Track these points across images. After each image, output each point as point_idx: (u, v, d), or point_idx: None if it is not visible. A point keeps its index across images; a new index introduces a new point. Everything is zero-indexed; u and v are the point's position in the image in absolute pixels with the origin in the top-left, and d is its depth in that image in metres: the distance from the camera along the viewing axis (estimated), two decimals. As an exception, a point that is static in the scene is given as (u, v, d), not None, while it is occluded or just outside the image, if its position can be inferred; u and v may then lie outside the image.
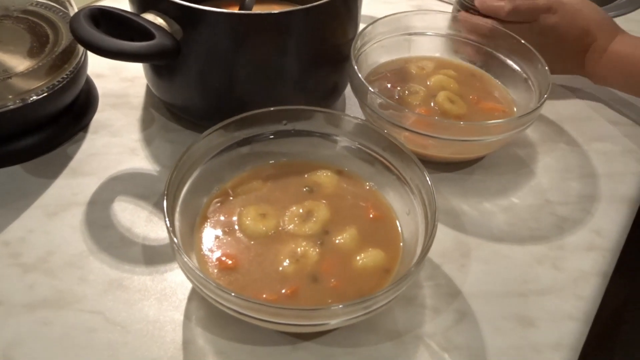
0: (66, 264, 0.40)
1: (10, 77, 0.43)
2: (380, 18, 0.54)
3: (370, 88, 0.46)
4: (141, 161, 0.49)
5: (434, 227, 0.35)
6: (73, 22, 0.39)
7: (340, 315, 0.32)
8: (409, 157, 0.40)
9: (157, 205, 0.45)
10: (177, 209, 0.37)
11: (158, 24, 0.42)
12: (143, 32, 0.41)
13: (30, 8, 0.44)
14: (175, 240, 0.34)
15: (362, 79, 0.47)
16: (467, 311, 0.40)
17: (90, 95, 0.53)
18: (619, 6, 0.77)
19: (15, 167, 0.47)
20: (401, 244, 0.40)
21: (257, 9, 0.54)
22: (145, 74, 0.53)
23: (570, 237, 0.46)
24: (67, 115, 0.49)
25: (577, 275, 0.43)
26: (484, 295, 0.41)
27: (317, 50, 0.48)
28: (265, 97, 0.48)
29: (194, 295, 0.39)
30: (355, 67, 0.48)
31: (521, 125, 0.46)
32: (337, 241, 0.39)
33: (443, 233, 0.45)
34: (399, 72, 0.55)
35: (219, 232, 0.39)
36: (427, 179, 0.37)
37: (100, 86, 0.55)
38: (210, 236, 0.39)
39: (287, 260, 0.38)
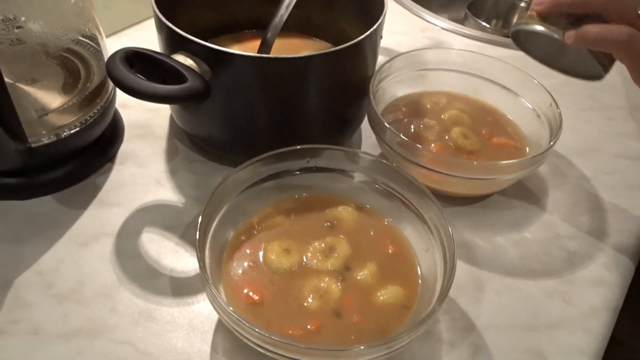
0: (97, 294, 0.42)
1: (46, 114, 0.45)
2: (397, 55, 0.56)
3: (388, 126, 0.48)
4: (166, 192, 0.50)
5: (453, 268, 0.37)
6: (110, 65, 0.41)
7: (365, 355, 0.34)
8: (428, 197, 0.41)
9: (183, 237, 0.47)
10: (207, 245, 0.39)
11: (188, 65, 0.44)
12: (174, 73, 0.43)
13: (68, 46, 0.46)
14: (206, 275, 0.35)
15: (380, 117, 0.49)
16: (482, 345, 0.42)
17: (117, 126, 0.55)
18: None
19: (46, 197, 0.49)
20: (419, 280, 0.41)
21: (276, 41, 0.56)
22: (170, 106, 0.55)
23: (580, 271, 0.47)
24: (96, 147, 0.51)
25: (586, 309, 0.45)
26: (497, 329, 0.43)
27: (338, 87, 0.50)
28: (286, 131, 0.50)
29: (220, 327, 0.41)
30: (374, 104, 0.50)
31: (533, 165, 0.48)
32: (358, 277, 0.41)
33: (458, 266, 0.47)
34: (414, 106, 0.57)
35: (245, 266, 0.41)
36: (446, 220, 0.39)
37: (126, 116, 0.57)
38: (236, 270, 0.41)
39: (311, 296, 0.39)
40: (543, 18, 0.40)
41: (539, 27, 0.40)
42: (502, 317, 0.44)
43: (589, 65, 0.41)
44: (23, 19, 0.40)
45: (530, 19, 0.41)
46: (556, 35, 0.40)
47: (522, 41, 0.44)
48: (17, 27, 0.40)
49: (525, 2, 0.46)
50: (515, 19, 0.46)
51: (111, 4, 0.66)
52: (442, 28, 0.80)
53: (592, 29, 0.38)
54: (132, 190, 0.50)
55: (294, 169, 0.45)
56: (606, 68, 0.41)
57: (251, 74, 0.45)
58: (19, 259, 0.44)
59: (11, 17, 0.39)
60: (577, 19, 0.39)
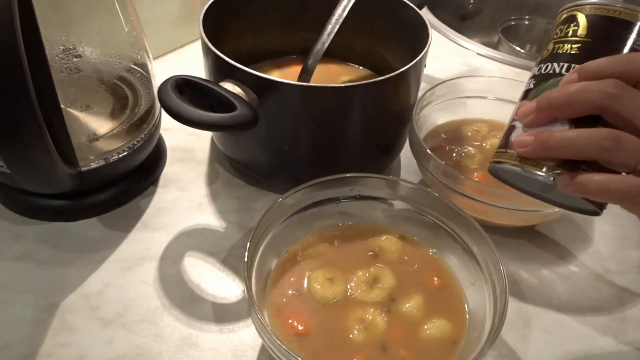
0: (142, 319, 0.42)
1: (97, 139, 0.46)
2: (439, 83, 0.56)
3: (431, 153, 0.48)
4: (208, 216, 0.51)
5: (505, 305, 0.36)
6: (161, 93, 0.41)
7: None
8: (476, 229, 0.41)
9: (225, 263, 0.47)
10: (254, 271, 0.39)
11: (237, 92, 0.44)
12: (223, 101, 0.43)
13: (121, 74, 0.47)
14: (254, 302, 0.35)
15: (424, 145, 0.49)
16: (531, 384, 0.40)
17: (160, 150, 0.56)
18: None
19: (92, 220, 0.49)
20: (467, 315, 0.40)
21: (317, 68, 0.56)
22: (212, 132, 0.56)
23: (631, 309, 0.46)
24: (140, 170, 0.52)
25: (640, 349, 0.43)
26: (546, 368, 0.41)
27: (381, 116, 0.50)
28: (327, 158, 0.50)
29: (263, 355, 0.41)
30: (417, 132, 0.50)
31: (582, 196, 0.47)
32: (403, 309, 0.40)
33: (502, 300, 0.46)
34: (455, 134, 0.57)
35: (289, 295, 0.41)
36: (497, 255, 0.38)
37: (168, 140, 0.58)
38: (280, 299, 0.41)
39: (357, 328, 0.39)
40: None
41: (524, 171, 0.33)
42: (551, 356, 0.42)
43: (582, 203, 0.34)
44: (82, 49, 0.41)
45: (512, 158, 0.34)
46: (545, 180, 0.32)
47: (501, 174, 0.37)
48: (76, 57, 0.41)
49: (515, 122, 0.35)
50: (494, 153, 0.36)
51: (158, 30, 0.67)
52: (477, 53, 0.79)
53: (593, 180, 0.31)
54: (175, 213, 0.51)
55: (338, 197, 0.45)
56: (602, 206, 0.34)
57: (296, 102, 0.45)
58: (65, 281, 0.44)
59: (71, 47, 0.40)
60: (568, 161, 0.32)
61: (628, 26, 0.34)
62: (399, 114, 0.52)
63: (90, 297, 0.43)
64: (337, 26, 0.55)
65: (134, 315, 0.43)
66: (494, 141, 0.56)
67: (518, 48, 0.95)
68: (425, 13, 0.89)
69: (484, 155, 0.54)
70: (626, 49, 0.33)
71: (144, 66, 0.49)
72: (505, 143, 0.35)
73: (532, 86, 0.36)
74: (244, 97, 0.44)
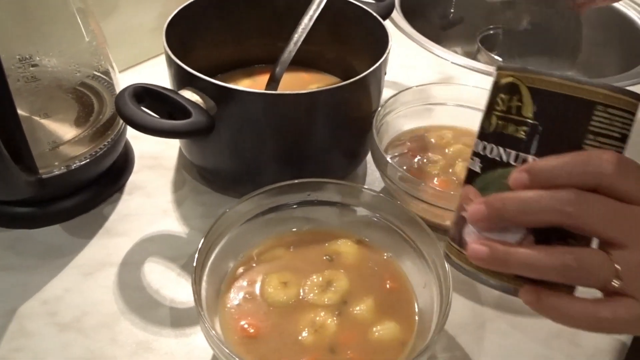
0: (98, 324, 0.43)
1: (58, 147, 0.46)
2: (403, 90, 0.57)
3: (389, 160, 0.49)
4: (172, 223, 0.51)
5: (448, 304, 0.36)
6: (118, 101, 0.42)
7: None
8: (425, 231, 0.41)
9: (185, 268, 0.47)
10: (205, 276, 0.40)
11: (194, 100, 0.45)
12: (181, 109, 0.44)
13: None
14: (200, 308, 0.36)
15: (382, 151, 0.50)
16: (482, 386, 0.41)
17: (128, 157, 0.57)
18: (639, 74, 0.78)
19: (55, 227, 0.50)
20: (416, 317, 0.41)
21: (285, 75, 0.57)
22: (180, 139, 0.56)
23: (586, 311, 0.46)
24: (106, 177, 0.53)
25: (593, 351, 0.43)
26: (499, 370, 0.42)
27: (341, 122, 0.51)
28: (290, 165, 0.51)
29: (216, 359, 0.41)
30: (376, 140, 0.50)
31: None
32: (354, 312, 0.41)
33: (459, 303, 0.46)
34: (419, 141, 0.58)
35: (242, 298, 0.41)
36: (443, 256, 0.39)
37: (137, 147, 0.59)
38: (234, 302, 0.41)
39: (306, 330, 0.39)
40: None
41: (476, 275, 0.31)
42: (505, 357, 0.43)
43: None
44: (38, 58, 0.42)
45: (467, 262, 0.31)
46: (504, 289, 0.31)
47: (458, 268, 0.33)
48: (33, 66, 0.42)
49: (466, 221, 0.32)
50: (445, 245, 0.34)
51: (126, 41, 0.68)
52: (452, 62, 0.80)
53: (561, 308, 0.29)
54: (139, 220, 0.51)
55: (295, 202, 0.46)
56: None
57: (255, 110, 0.46)
58: (26, 287, 0.45)
59: (27, 56, 0.41)
60: None
61: (585, 108, 0.28)
62: (360, 120, 0.52)
63: (49, 302, 0.44)
64: (304, 35, 0.56)
65: (91, 320, 0.43)
66: (458, 147, 0.57)
67: (497, 57, 0.96)
68: (403, 23, 0.91)
69: (447, 161, 0.55)
70: (585, 140, 0.28)
71: (106, 74, 0.50)
72: (459, 238, 0.32)
73: (477, 169, 0.31)
74: (201, 105, 0.45)
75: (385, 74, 0.53)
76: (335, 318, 0.40)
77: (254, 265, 0.44)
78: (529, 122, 0.29)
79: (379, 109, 0.53)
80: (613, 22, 0.93)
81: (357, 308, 0.41)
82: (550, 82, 0.28)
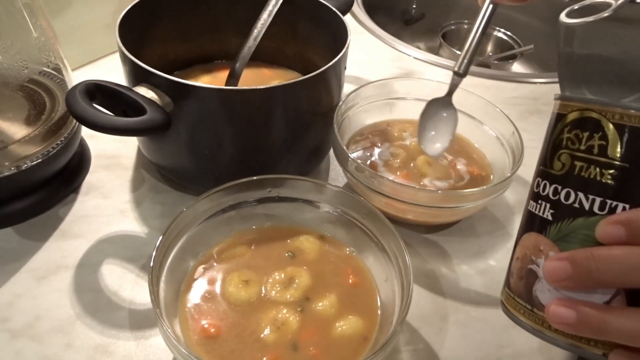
0: (53, 329, 0.41)
1: (7, 146, 0.45)
2: (363, 85, 0.57)
3: (350, 155, 0.49)
4: (130, 223, 0.50)
5: (409, 298, 0.36)
6: (69, 98, 0.41)
7: (317, 388, 0.33)
8: (386, 225, 0.41)
9: (144, 268, 0.46)
10: (163, 276, 0.39)
11: (150, 97, 0.44)
12: (135, 106, 0.43)
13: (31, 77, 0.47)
14: (159, 313, 0.35)
15: (343, 147, 0.49)
16: (444, 376, 0.41)
17: (83, 157, 0.55)
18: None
19: (6, 230, 0.48)
20: (379, 311, 0.41)
21: (247, 71, 0.57)
22: (137, 137, 0.55)
23: (544, 300, 0.47)
24: (60, 178, 0.51)
25: (551, 339, 0.44)
26: (460, 360, 0.42)
27: (303, 118, 0.50)
28: (252, 162, 0.50)
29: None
30: (337, 135, 0.50)
31: (496, 192, 0.48)
32: (317, 308, 0.40)
33: (422, 296, 0.47)
34: (381, 135, 0.58)
35: (203, 298, 0.41)
36: (404, 249, 0.39)
37: (93, 147, 0.57)
38: (194, 302, 0.40)
39: (268, 328, 0.39)
40: None
41: (552, 338, 0.28)
42: (466, 348, 0.43)
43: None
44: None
45: (540, 323, 0.28)
46: (582, 354, 0.27)
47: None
48: (-26, 62, 0.40)
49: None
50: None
51: (79, 38, 0.66)
52: (414, 57, 0.81)
53: None
54: (95, 221, 0.50)
55: (255, 200, 0.45)
56: None
57: (211, 106, 0.45)
58: (-25, 293, 0.43)
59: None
60: None
61: None
62: (321, 115, 0.52)
63: (-1, 308, 0.42)
64: (263, 30, 0.56)
65: (45, 326, 0.42)
66: (419, 141, 0.57)
67: (458, 52, 0.97)
68: (365, 19, 0.91)
69: (409, 155, 0.55)
70: None
71: (57, 70, 0.48)
72: (527, 295, 0.28)
73: (548, 216, 0.28)
74: (157, 102, 0.44)
75: (346, 68, 0.53)
76: (297, 315, 0.40)
77: (215, 264, 0.43)
78: (617, 164, 0.25)
79: (340, 103, 0.53)
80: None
81: (320, 304, 0.41)
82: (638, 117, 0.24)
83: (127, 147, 0.58)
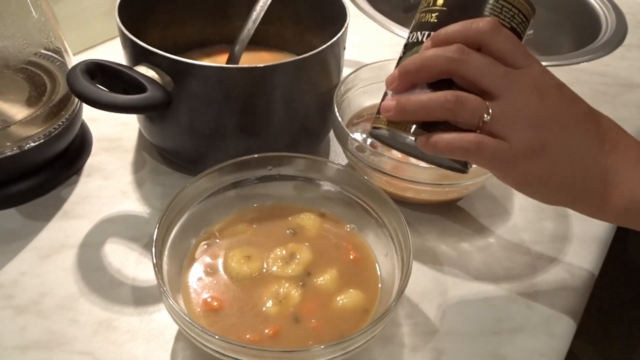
0: (58, 306, 0.42)
1: (9, 126, 0.45)
2: (362, 66, 0.57)
3: (350, 134, 0.49)
4: (132, 204, 0.51)
5: (409, 270, 0.37)
6: (70, 76, 0.41)
7: (321, 356, 0.34)
8: (386, 201, 0.42)
9: (147, 247, 0.47)
10: (166, 252, 0.39)
11: (150, 76, 0.44)
12: (136, 85, 0.43)
13: (31, 59, 0.47)
14: (162, 285, 0.35)
15: (344, 126, 0.50)
16: (444, 349, 0.42)
17: (85, 140, 0.55)
18: (591, 51, 0.81)
19: (10, 210, 0.48)
20: (379, 284, 0.42)
21: (246, 55, 0.57)
22: (137, 119, 0.55)
23: (543, 276, 0.48)
24: (62, 160, 0.52)
25: (549, 314, 0.45)
26: (460, 334, 0.43)
27: (302, 98, 0.51)
28: (252, 142, 0.51)
29: (181, 335, 0.41)
30: (337, 114, 0.51)
31: (494, 169, 0.49)
32: (318, 282, 0.41)
33: (422, 272, 0.47)
34: (381, 117, 0.58)
35: (205, 273, 0.41)
36: (404, 223, 0.39)
37: (95, 130, 0.57)
38: (196, 278, 0.41)
39: (270, 302, 0.39)
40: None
41: (392, 133, 0.36)
42: (465, 322, 0.44)
43: (451, 162, 0.37)
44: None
45: (382, 123, 0.37)
46: (409, 142, 0.36)
47: (380, 138, 0.39)
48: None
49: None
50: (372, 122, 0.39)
51: (79, 23, 0.66)
52: (413, 42, 0.81)
53: (442, 140, 0.34)
54: (98, 202, 0.50)
55: (256, 178, 0.45)
56: (465, 165, 0.37)
57: (211, 84, 0.46)
58: (-21, 271, 0.43)
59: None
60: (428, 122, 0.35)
61: None
62: (320, 96, 0.52)
63: (4, 286, 0.43)
64: (262, 13, 0.56)
65: (50, 302, 0.42)
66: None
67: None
68: (365, 5, 0.91)
69: (408, 136, 0.56)
70: (479, 15, 0.35)
71: (57, 52, 0.48)
72: (379, 108, 0.38)
73: (401, 54, 0.39)
74: (157, 80, 0.44)
75: (345, 49, 0.53)
76: (299, 289, 0.40)
77: (217, 241, 0.44)
78: (440, 9, 0.37)
79: (340, 85, 0.54)
80: (565, 2, 0.96)
81: (321, 278, 0.41)
82: None
83: (128, 130, 0.58)
